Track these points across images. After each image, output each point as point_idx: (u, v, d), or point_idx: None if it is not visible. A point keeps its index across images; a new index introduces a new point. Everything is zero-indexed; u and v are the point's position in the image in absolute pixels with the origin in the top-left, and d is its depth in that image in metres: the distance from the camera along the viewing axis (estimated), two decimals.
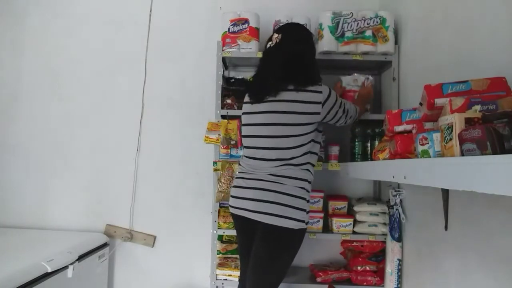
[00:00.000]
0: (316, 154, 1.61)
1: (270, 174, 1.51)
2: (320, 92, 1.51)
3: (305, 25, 1.94)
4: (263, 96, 1.55)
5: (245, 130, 1.64)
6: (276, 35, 1.60)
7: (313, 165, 1.60)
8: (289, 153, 1.51)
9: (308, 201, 1.54)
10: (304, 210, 1.50)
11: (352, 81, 2.02)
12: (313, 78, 1.55)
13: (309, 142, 1.54)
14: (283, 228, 1.46)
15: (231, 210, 1.62)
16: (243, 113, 1.67)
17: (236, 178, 1.65)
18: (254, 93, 1.61)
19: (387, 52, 1.93)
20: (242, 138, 1.68)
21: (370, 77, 2.02)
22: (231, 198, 1.62)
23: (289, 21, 2.00)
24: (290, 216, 1.46)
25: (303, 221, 1.49)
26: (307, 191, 1.54)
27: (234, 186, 1.63)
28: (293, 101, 1.50)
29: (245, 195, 1.54)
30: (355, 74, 2.04)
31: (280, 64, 1.55)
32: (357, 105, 1.77)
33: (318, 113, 1.52)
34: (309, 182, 1.56)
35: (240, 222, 1.62)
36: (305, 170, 1.54)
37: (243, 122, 1.67)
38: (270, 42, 1.62)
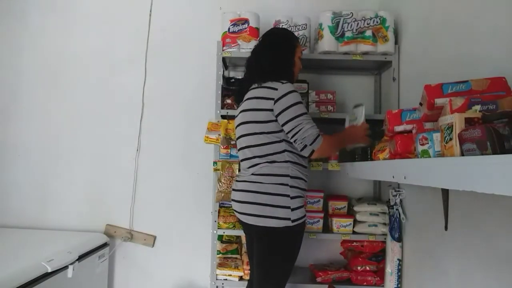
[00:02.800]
0: (297, 154, 1.52)
1: (252, 174, 1.53)
2: (276, 89, 1.47)
3: (304, 26, 1.96)
4: (240, 96, 1.63)
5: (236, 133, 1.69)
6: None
7: (299, 164, 1.53)
8: (261, 150, 1.51)
9: (294, 197, 1.48)
10: (287, 207, 1.46)
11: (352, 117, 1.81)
12: (273, 75, 1.52)
13: (280, 141, 1.50)
14: (267, 228, 1.46)
15: (234, 212, 1.66)
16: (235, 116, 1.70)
17: (235, 180, 1.69)
18: (236, 95, 1.70)
19: (387, 52, 1.93)
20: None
21: (362, 109, 1.73)
22: (231, 200, 1.66)
23: (289, 21, 2.01)
24: (271, 215, 1.45)
25: (287, 219, 1.45)
26: (292, 186, 1.48)
27: (232, 189, 1.66)
28: (253, 98, 1.54)
29: (234, 197, 1.59)
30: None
31: (251, 64, 1.63)
32: (336, 137, 1.56)
33: (271, 110, 1.47)
34: (293, 177, 1.49)
35: (241, 224, 1.65)
36: (285, 167, 1.50)
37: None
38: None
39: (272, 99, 1.46)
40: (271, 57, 1.56)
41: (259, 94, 1.52)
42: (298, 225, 1.48)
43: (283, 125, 1.46)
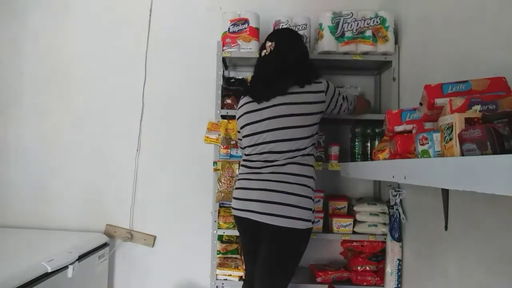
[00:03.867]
0: (314, 155, 1.64)
1: (274, 173, 1.50)
2: (321, 82, 1.60)
3: (304, 26, 1.96)
4: (270, 95, 1.57)
5: (249, 129, 1.61)
6: (269, 43, 1.64)
7: (314, 158, 1.62)
8: (300, 143, 1.53)
9: (313, 199, 1.55)
10: (310, 209, 1.51)
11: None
12: (313, 74, 1.63)
13: (316, 133, 1.60)
14: (292, 229, 1.46)
15: (234, 212, 1.60)
16: (244, 113, 1.64)
17: (239, 180, 1.64)
18: (259, 93, 1.61)
19: (387, 52, 1.93)
20: (244, 138, 1.64)
21: (358, 88, 2.08)
22: (234, 201, 1.60)
23: (289, 21, 2.00)
24: (298, 216, 1.46)
25: (309, 221, 1.50)
26: (312, 189, 1.55)
27: (237, 188, 1.61)
28: (300, 93, 1.56)
29: (250, 196, 1.52)
30: (347, 86, 2.14)
31: (281, 67, 1.59)
32: (360, 101, 1.85)
33: (323, 101, 1.59)
34: (314, 180, 1.57)
35: (244, 224, 1.59)
36: (309, 166, 1.55)
37: (245, 122, 1.63)
38: (265, 51, 1.65)
39: (322, 91, 1.59)
40: (309, 59, 1.72)
41: (308, 89, 1.57)
42: (312, 227, 1.55)
43: (334, 106, 1.67)
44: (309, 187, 1.52)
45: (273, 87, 1.58)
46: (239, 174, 1.68)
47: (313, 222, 1.54)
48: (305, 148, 1.54)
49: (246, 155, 1.66)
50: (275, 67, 1.60)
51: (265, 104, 1.58)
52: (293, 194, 1.47)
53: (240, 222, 1.61)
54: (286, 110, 1.54)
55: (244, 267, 1.90)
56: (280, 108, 1.54)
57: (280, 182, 1.48)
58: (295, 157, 1.52)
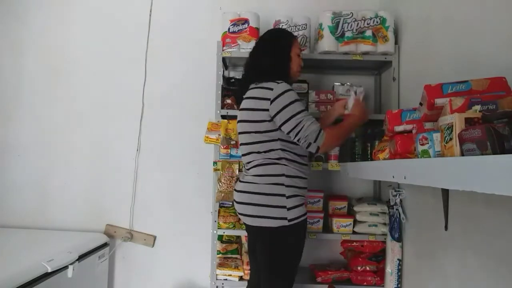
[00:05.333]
0: (296, 153, 1.53)
1: (250, 175, 1.54)
2: (271, 89, 1.47)
3: (304, 26, 1.96)
4: (240, 96, 1.64)
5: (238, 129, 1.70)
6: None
7: (297, 162, 1.52)
8: (256, 148, 1.53)
9: (290, 196, 1.46)
10: (282, 207, 1.45)
11: (346, 91, 2.07)
12: (271, 75, 1.52)
13: (275, 140, 1.50)
14: (264, 228, 1.47)
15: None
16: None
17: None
18: (237, 95, 1.72)
19: (387, 52, 1.93)
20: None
21: (360, 89, 1.99)
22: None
23: (289, 21, 2.01)
24: (266, 215, 1.46)
25: (283, 218, 1.44)
26: (288, 186, 1.47)
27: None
28: (250, 97, 1.55)
29: (236, 197, 1.60)
30: (348, 83, 2.09)
31: (248, 65, 1.65)
32: (342, 126, 1.56)
33: (267, 110, 1.47)
34: (289, 176, 1.48)
35: (244, 224, 1.65)
36: (280, 165, 1.49)
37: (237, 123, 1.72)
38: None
39: (268, 99, 1.46)
40: (267, 56, 1.57)
41: (255, 94, 1.53)
42: (296, 224, 1.47)
43: (281, 125, 1.46)
44: (280, 184, 1.47)
45: (240, 90, 1.67)
46: None
47: (292, 220, 1.44)
48: (268, 152, 1.50)
49: None
50: (246, 64, 1.67)
51: (239, 107, 1.65)
52: (259, 193, 1.48)
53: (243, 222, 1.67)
54: (241, 115, 1.60)
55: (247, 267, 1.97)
56: (240, 113, 1.61)
57: (248, 183, 1.52)
58: (259, 159, 1.53)
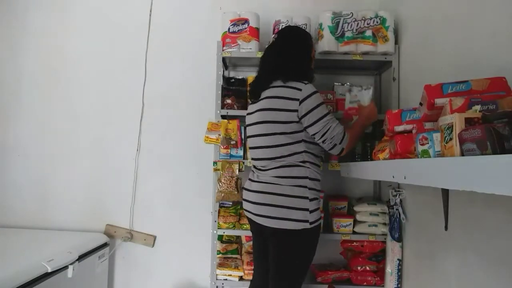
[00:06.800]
0: (315, 155, 1.56)
1: (270, 176, 1.51)
2: (300, 89, 1.46)
3: (304, 26, 1.95)
4: (257, 92, 1.58)
5: (247, 131, 1.67)
6: (273, 36, 1.65)
7: (316, 165, 1.55)
8: (280, 151, 1.49)
9: (312, 199, 1.48)
10: (305, 209, 1.45)
11: (346, 91, 2.05)
12: (297, 75, 1.51)
13: (299, 141, 1.49)
14: (284, 230, 1.45)
15: (244, 212, 1.64)
16: (246, 115, 1.68)
17: (248, 179, 1.67)
18: (252, 91, 1.64)
19: (387, 52, 1.93)
20: (247, 139, 1.70)
21: (370, 92, 1.97)
22: (243, 200, 1.64)
23: (289, 21, 2.01)
24: (288, 217, 1.44)
25: (305, 221, 1.45)
26: (310, 189, 1.48)
27: (244, 188, 1.65)
28: (276, 97, 1.50)
29: (249, 198, 1.56)
30: (348, 83, 2.08)
31: (271, 61, 1.58)
32: (355, 128, 1.60)
33: (296, 111, 1.45)
34: (312, 179, 1.50)
35: (252, 224, 1.63)
36: (304, 168, 1.49)
37: (246, 123, 1.69)
38: (269, 43, 1.67)
39: (297, 99, 1.45)
40: (295, 55, 1.55)
41: (282, 94, 1.48)
42: (315, 227, 1.48)
43: (309, 126, 1.46)
44: (303, 187, 1.47)
45: (259, 84, 1.58)
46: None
47: (313, 222, 1.46)
48: (288, 156, 1.49)
49: (250, 155, 1.70)
50: (268, 60, 1.60)
51: (254, 107, 1.60)
52: (282, 195, 1.45)
53: (249, 222, 1.65)
54: (264, 116, 1.53)
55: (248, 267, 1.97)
56: (261, 114, 1.54)
57: (271, 184, 1.49)
58: (282, 162, 1.50)
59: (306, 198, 1.47)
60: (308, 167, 1.50)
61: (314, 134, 1.48)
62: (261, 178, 1.53)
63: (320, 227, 1.54)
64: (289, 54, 1.55)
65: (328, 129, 1.46)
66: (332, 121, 1.48)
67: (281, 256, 1.51)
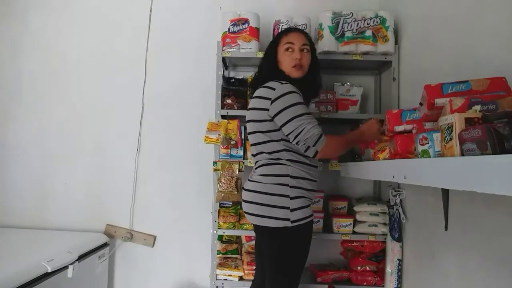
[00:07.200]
0: (299, 153, 1.48)
1: (257, 174, 1.54)
2: (274, 89, 1.45)
3: (304, 26, 1.95)
4: (253, 92, 1.63)
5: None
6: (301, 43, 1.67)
7: (302, 163, 1.49)
8: (260, 148, 1.53)
9: (294, 198, 1.44)
10: (285, 208, 1.43)
11: (345, 91, 2.07)
12: (274, 76, 1.52)
13: (278, 140, 1.48)
14: (266, 228, 1.47)
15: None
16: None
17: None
18: (251, 94, 1.69)
19: (387, 52, 1.93)
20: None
21: (361, 88, 2.03)
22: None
23: (289, 21, 2.01)
24: (268, 215, 1.44)
25: (286, 219, 1.42)
26: (293, 187, 1.45)
27: (242, 188, 1.67)
28: (255, 96, 1.55)
29: (243, 196, 1.60)
30: (348, 83, 2.10)
31: (259, 64, 1.68)
32: (346, 137, 1.54)
33: (267, 110, 1.45)
34: (294, 177, 1.46)
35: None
36: (286, 166, 1.47)
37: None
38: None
39: (269, 99, 1.45)
40: (262, 60, 1.66)
41: (259, 93, 1.52)
42: (299, 226, 1.44)
43: (281, 126, 1.44)
44: (284, 185, 1.45)
45: (252, 88, 1.67)
46: None
47: (295, 221, 1.42)
48: (272, 153, 1.50)
49: None
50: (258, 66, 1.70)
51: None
52: (263, 193, 1.47)
53: None
54: (247, 115, 1.60)
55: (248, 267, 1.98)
56: (247, 113, 1.61)
57: (254, 182, 1.52)
58: (265, 158, 1.53)
59: (287, 196, 1.44)
60: (290, 165, 1.47)
61: (288, 135, 1.44)
62: (253, 177, 1.57)
63: (308, 226, 1.48)
64: (268, 57, 1.64)
65: (302, 130, 1.39)
66: (307, 122, 1.40)
67: (268, 254, 1.52)
